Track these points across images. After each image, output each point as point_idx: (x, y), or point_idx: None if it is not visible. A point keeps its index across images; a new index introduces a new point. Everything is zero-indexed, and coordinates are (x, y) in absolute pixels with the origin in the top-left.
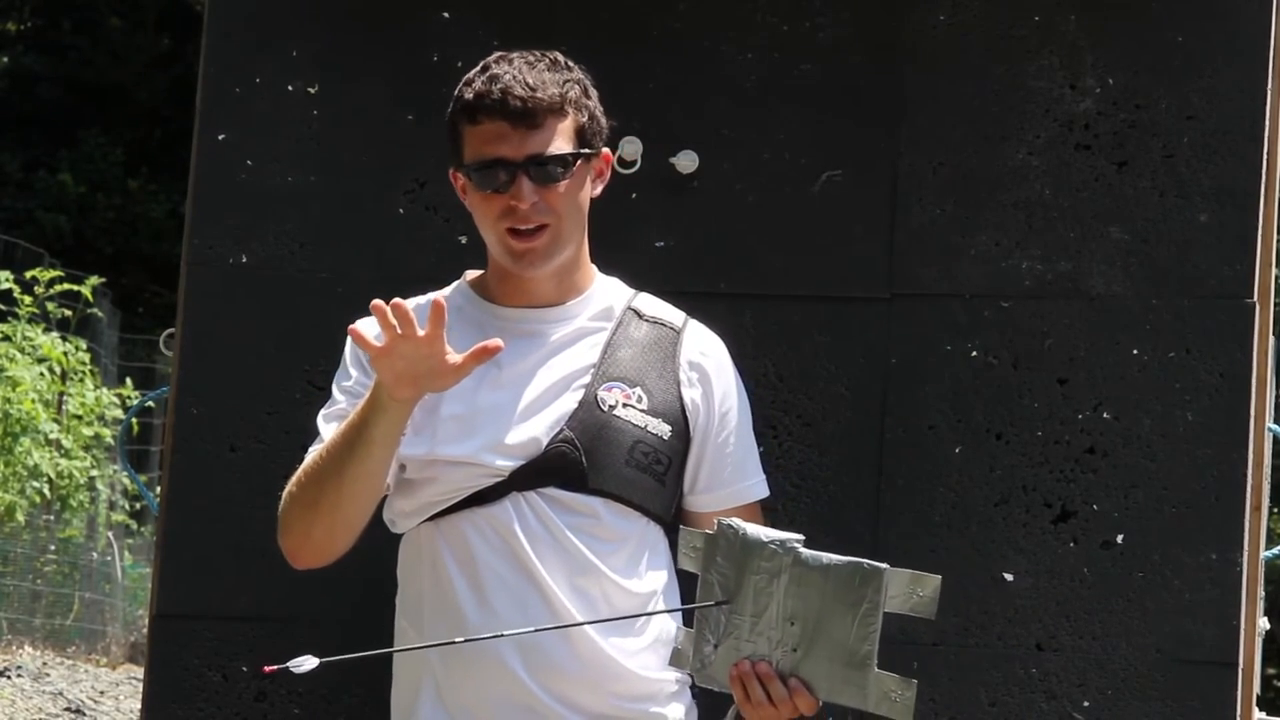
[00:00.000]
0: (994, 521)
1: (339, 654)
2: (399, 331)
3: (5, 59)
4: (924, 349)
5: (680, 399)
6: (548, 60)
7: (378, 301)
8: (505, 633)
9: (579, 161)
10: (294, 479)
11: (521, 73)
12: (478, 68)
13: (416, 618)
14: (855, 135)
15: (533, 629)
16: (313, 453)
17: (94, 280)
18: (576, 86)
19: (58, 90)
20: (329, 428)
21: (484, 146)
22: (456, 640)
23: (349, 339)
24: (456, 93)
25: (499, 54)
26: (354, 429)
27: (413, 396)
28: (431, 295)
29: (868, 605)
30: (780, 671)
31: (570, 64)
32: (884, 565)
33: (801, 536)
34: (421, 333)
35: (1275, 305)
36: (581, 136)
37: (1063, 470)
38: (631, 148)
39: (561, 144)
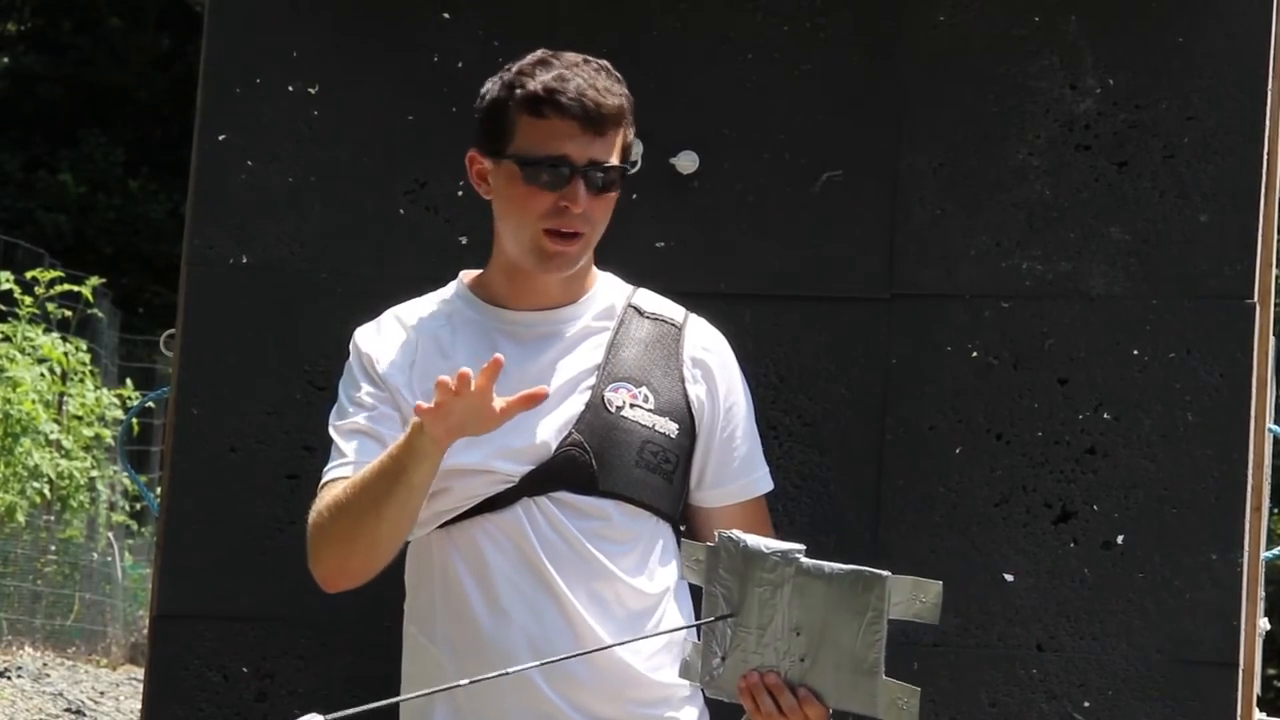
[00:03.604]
0: (994, 522)
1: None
2: (455, 394)
3: (5, 59)
4: (924, 349)
5: (685, 396)
6: (605, 69)
7: (443, 379)
8: (536, 664)
9: (623, 176)
10: (324, 508)
11: (592, 77)
12: (534, 59)
13: (427, 624)
14: (855, 135)
15: (550, 660)
16: (334, 474)
17: (94, 280)
18: (628, 101)
19: (58, 90)
20: (350, 445)
21: (547, 142)
22: (461, 683)
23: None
24: (511, 80)
25: (546, 50)
26: (391, 474)
27: (454, 440)
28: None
29: (872, 613)
30: (789, 681)
31: (620, 77)
32: (885, 572)
33: (803, 546)
34: (473, 387)
35: (1276, 306)
36: (626, 152)
37: (1063, 471)
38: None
39: (616, 156)
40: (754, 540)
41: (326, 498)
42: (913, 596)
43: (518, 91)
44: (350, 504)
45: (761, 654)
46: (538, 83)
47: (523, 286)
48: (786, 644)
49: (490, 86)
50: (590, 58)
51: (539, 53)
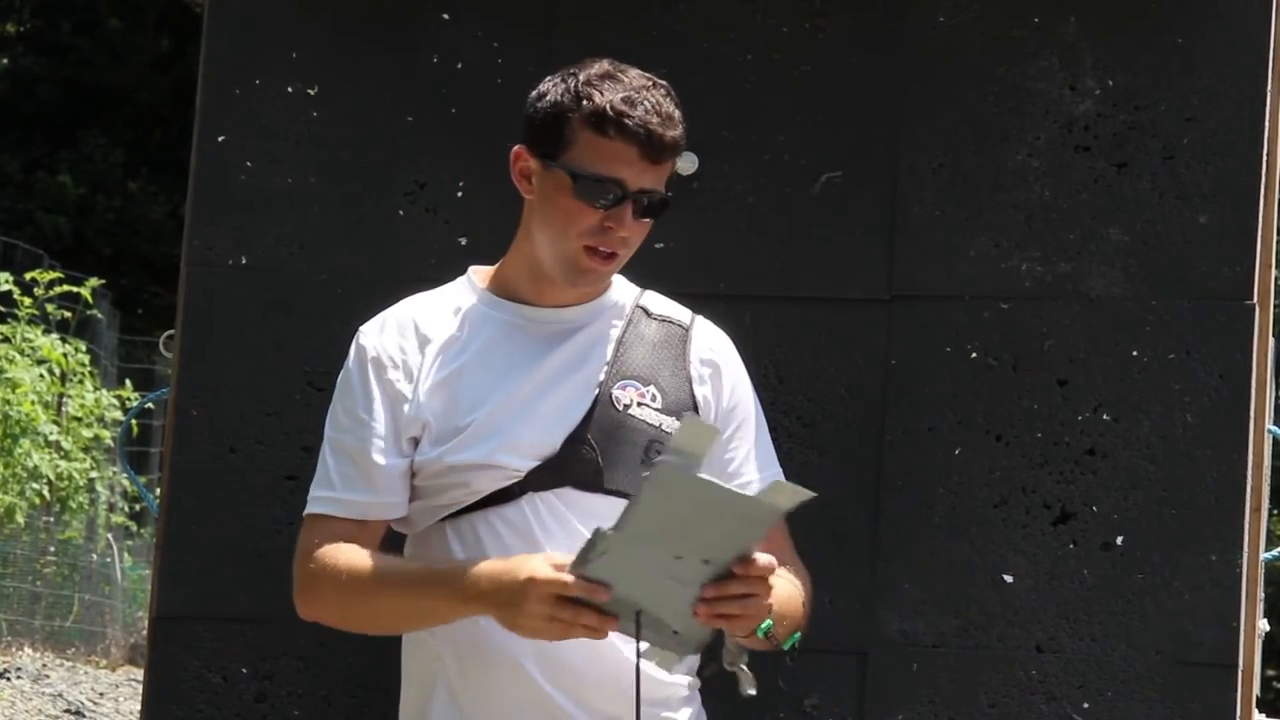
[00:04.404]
0: (994, 523)
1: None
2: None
3: (5, 60)
4: (924, 350)
5: (693, 396)
6: (671, 95)
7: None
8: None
9: (666, 205)
10: (328, 568)
11: (659, 104)
12: (600, 71)
13: None
14: (855, 135)
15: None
16: (320, 509)
17: (94, 282)
18: (685, 130)
19: (57, 91)
20: (337, 471)
21: (607, 162)
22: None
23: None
24: (578, 89)
25: (612, 62)
26: (429, 610)
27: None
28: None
29: (686, 489)
30: (721, 580)
31: (678, 100)
32: (661, 460)
33: (599, 526)
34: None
35: (1275, 307)
36: (669, 181)
37: (1062, 472)
38: None
39: (663, 185)
40: (581, 547)
41: (346, 561)
42: (691, 437)
43: (584, 104)
44: (367, 599)
45: (687, 589)
46: (606, 100)
47: (545, 286)
48: (684, 571)
49: (550, 89)
50: (655, 79)
51: (605, 64)
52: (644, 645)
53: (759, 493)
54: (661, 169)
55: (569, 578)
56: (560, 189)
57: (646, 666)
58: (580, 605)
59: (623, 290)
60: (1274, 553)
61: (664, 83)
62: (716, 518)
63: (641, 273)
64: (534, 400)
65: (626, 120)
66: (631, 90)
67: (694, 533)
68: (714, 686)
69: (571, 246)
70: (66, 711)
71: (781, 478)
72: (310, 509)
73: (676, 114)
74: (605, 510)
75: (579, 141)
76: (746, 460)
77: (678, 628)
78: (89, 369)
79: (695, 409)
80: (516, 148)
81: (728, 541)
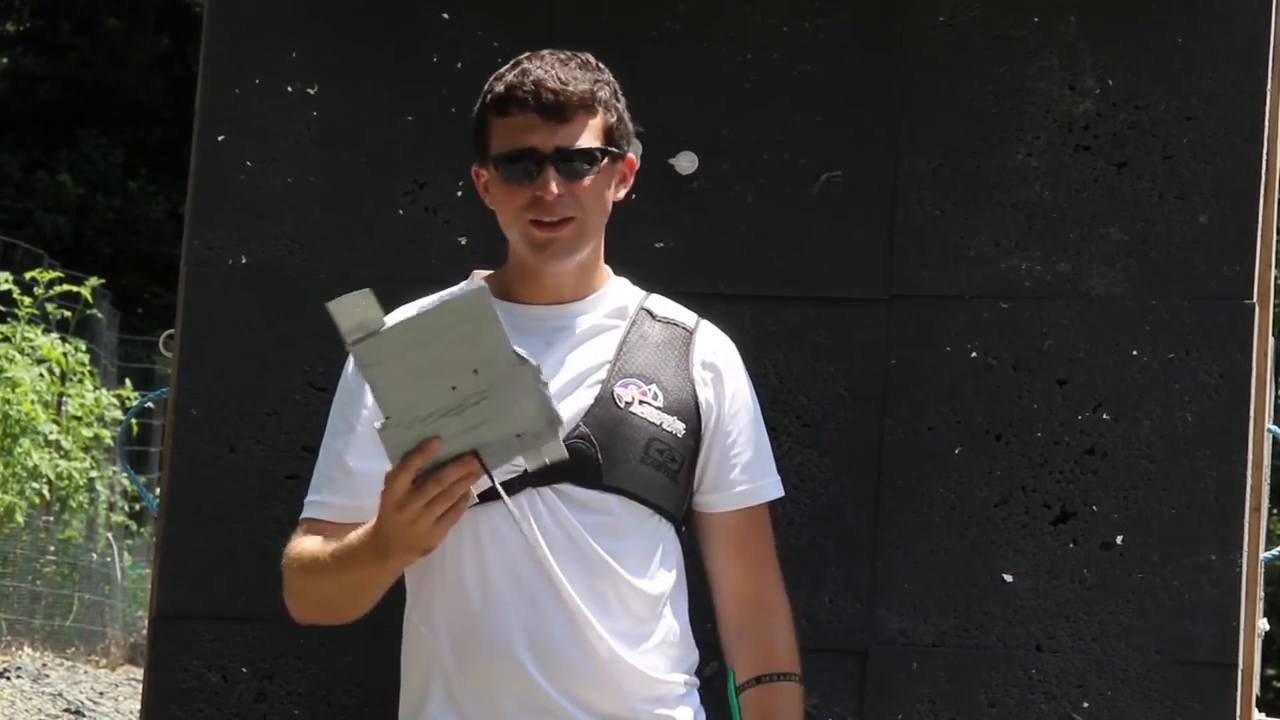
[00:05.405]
0: (994, 522)
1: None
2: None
3: (5, 60)
4: (923, 350)
5: (695, 397)
6: (579, 59)
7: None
8: None
9: (605, 159)
10: (296, 558)
11: (554, 68)
12: (509, 64)
13: (428, 614)
14: (855, 135)
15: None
16: (310, 512)
17: (93, 281)
18: (607, 87)
19: (57, 91)
20: (327, 476)
21: (513, 137)
22: None
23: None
24: (486, 87)
25: (529, 52)
26: (362, 579)
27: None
28: (438, 295)
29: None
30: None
31: (601, 66)
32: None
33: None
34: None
35: (1275, 306)
36: (609, 136)
37: (1062, 471)
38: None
39: (589, 139)
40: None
41: (301, 549)
42: (352, 312)
43: (488, 97)
44: (317, 580)
45: (489, 401)
46: (502, 83)
47: (535, 283)
48: (468, 389)
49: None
50: (573, 53)
51: (520, 56)
52: (519, 461)
53: (442, 299)
54: (575, 126)
55: (401, 472)
56: (495, 181)
57: (643, 665)
58: (433, 473)
59: (626, 292)
60: (1274, 552)
61: (580, 55)
62: (445, 341)
63: (642, 272)
64: None
65: (517, 91)
66: (528, 65)
67: (443, 361)
68: (713, 686)
69: (520, 226)
70: (66, 711)
71: (778, 485)
72: (304, 511)
73: (581, 73)
74: (603, 506)
75: (494, 132)
76: (746, 468)
77: (518, 430)
78: (89, 368)
79: (697, 410)
80: (473, 168)
81: (476, 348)
